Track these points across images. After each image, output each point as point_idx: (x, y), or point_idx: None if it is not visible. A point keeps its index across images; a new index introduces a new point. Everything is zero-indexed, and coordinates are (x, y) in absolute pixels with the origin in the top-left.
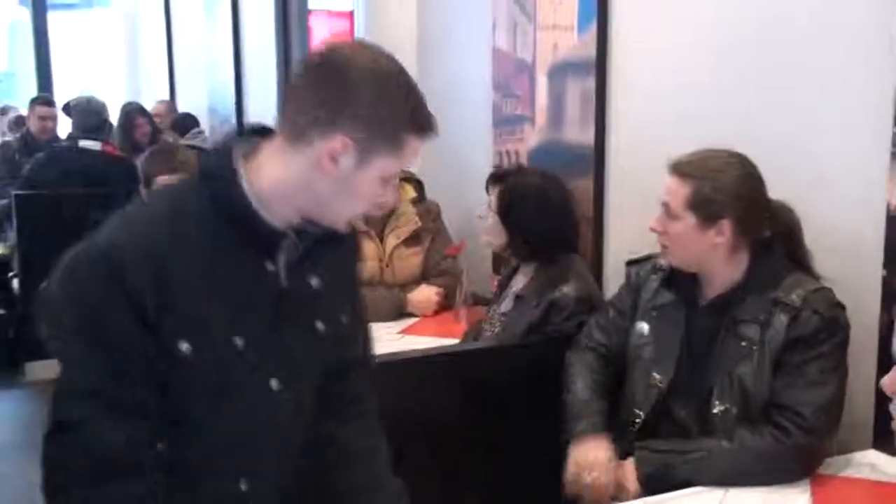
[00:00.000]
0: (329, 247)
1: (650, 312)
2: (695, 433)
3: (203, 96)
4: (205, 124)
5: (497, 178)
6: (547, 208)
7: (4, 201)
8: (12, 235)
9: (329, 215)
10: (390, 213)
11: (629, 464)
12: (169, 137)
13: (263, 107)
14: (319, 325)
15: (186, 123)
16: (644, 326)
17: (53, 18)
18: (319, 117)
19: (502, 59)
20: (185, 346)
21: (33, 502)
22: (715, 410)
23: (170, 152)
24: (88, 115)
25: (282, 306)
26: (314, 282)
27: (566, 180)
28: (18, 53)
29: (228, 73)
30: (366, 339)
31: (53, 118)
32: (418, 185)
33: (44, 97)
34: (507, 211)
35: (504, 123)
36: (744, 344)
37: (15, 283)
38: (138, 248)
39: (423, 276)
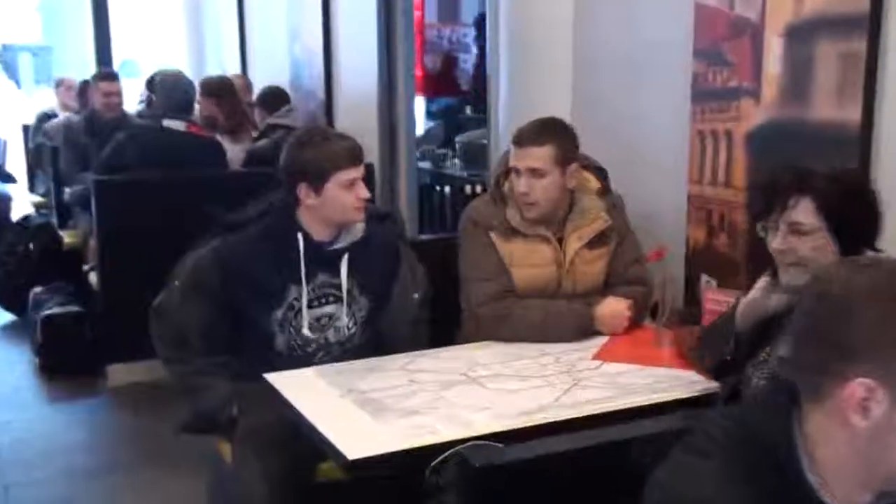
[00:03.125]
0: None
1: None
2: None
3: (283, 69)
4: None
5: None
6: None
7: (78, 187)
8: (83, 223)
9: None
10: (569, 209)
11: None
12: (256, 116)
13: (358, 78)
14: None
15: (276, 99)
16: None
17: None
18: (826, 362)
19: (709, 17)
20: None
21: None
22: None
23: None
24: (175, 91)
25: None
26: None
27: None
28: (53, 27)
29: (315, 41)
30: None
31: (118, 93)
32: (600, 174)
33: (107, 72)
34: (837, 217)
35: (709, 98)
36: None
37: (92, 276)
38: None
39: (607, 285)
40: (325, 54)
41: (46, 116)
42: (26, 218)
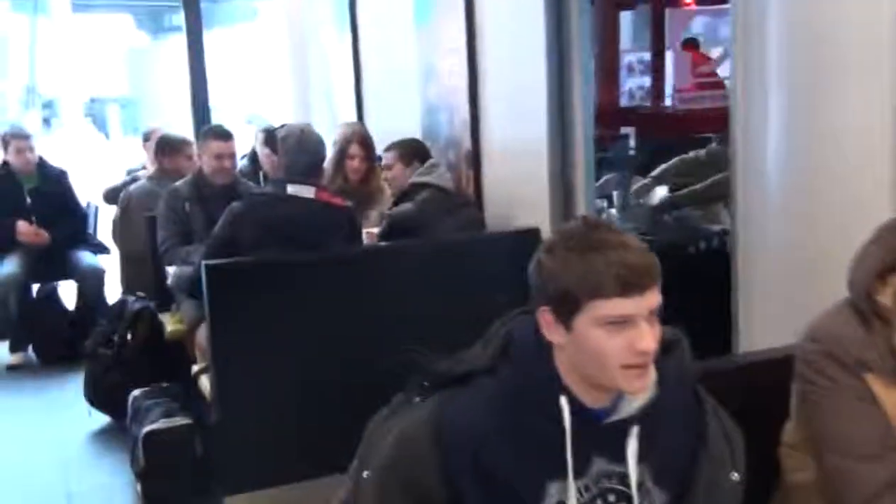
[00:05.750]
0: None
1: None
2: None
3: (412, 114)
4: None
5: None
6: None
7: (187, 269)
8: (189, 311)
9: None
10: None
11: None
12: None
13: (518, 123)
14: None
15: (416, 153)
16: None
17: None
18: None
19: None
20: None
21: None
22: None
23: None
24: (301, 152)
25: None
26: None
27: None
28: (137, 80)
29: (458, 79)
30: None
31: (231, 155)
32: None
33: (218, 129)
34: None
35: None
36: None
37: (204, 381)
38: None
39: None
40: (471, 95)
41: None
42: (123, 303)
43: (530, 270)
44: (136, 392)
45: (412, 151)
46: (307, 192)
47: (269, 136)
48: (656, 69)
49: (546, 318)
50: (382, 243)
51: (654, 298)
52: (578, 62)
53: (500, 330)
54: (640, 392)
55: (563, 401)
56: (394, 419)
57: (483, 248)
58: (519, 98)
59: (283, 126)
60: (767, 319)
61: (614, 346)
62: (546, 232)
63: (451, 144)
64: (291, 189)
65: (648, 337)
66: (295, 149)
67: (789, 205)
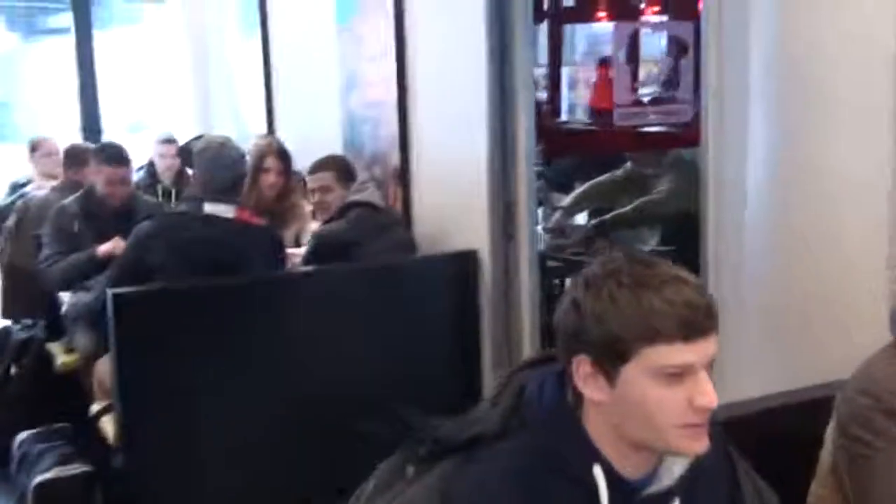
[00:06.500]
0: None
1: None
2: None
3: (331, 127)
4: None
5: None
6: None
7: (85, 296)
8: (83, 341)
9: None
10: None
11: None
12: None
13: (451, 137)
14: None
15: (351, 171)
16: None
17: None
18: None
19: None
20: None
21: None
22: None
23: None
24: (220, 167)
25: None
26: None
27: None
28: (6, 84)
29: (385, 90)
30: None
31: (124, 181)
32: None
33: (112, 154)
34: None
35: None
36: None
37: (106, 423)
38: None
39: None
40: (400, 105)
41: (20, 187)
42: (6, 332)
43: (561, 311)
44: (24, 434)
45: (346, 169)
46: (226, 210)
47: (183, 151)
48: (554, 85)
49: (584, 370)
50: (310, 267)
51: (713, 345)
52: (522, 69)
53: (508, 385)
54: (695, 452)
55: (598, 471)
56: (386, 495)
57: (417, 271)
58: (455, 109)
59: (199, 137)
60: (742, 365)
61: (672, 403)
62: (485, 254)
63: (377, 160)
64: (209, 208)
65: (710, 390)
66: (213, 164)
67: (772, 242)
